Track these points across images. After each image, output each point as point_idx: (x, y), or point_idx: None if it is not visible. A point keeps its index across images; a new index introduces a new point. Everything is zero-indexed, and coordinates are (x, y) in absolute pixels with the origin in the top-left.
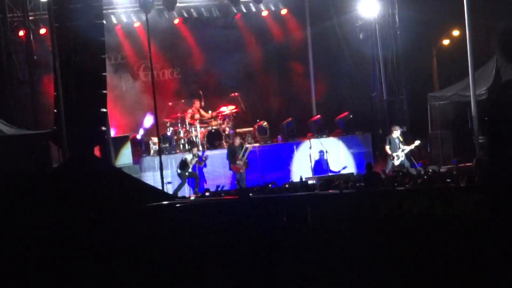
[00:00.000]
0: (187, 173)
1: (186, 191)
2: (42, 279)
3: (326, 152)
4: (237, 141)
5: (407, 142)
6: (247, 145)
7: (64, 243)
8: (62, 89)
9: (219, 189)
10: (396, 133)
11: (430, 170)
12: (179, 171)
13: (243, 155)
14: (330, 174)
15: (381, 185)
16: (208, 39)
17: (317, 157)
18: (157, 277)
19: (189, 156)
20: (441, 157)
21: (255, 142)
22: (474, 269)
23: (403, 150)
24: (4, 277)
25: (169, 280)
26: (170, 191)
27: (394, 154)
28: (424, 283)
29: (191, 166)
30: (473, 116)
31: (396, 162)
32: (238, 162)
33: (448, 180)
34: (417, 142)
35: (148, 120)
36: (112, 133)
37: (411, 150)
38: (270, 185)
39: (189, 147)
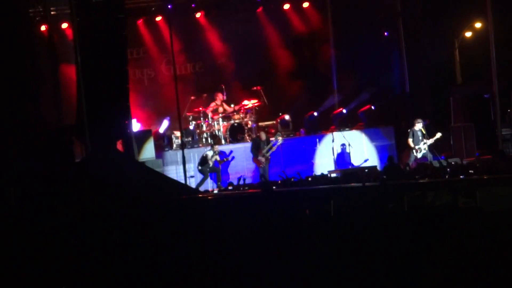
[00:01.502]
0: (208, 169)
1: (209, 185)
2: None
3: (349, 145)
4: (263, 136)
5: (429, 134)
6: (275, 141)
7: (87, 237)
8: (84, 84)
9: (241, 181)
10: (419, 126)
11: (453, 163)
12: (199, 167)
13: (267, 151)
14: (352, 167)
15: (403, 178)
16: (230, 32)
17: (339, 150)
18: (179, 269)
19: (210, 153)
20: (464, 150)
21: (282, 138)
22: (497, 261)
23: (425, 143)
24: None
25: (191, 272)
26: (193, 185)
27: (417, 147)
28: (447, 276)
29: (211, 163)
30: (496, 108)
31: (419, 155)
32: (260, 157)
33: (471, 172)
34: (438, 135)
35: (164, 125)
36: (135, 127)
37: (433, 143)
38: (292, 178)
39: (211, 141)
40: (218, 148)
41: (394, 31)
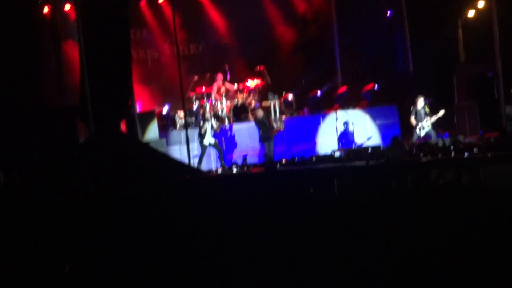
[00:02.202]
0: (208, 143)
1: (213, 164)
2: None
3: (353, 124)
4: (260, 113)
5: (433, 112)
6: (273, 100)
7: (91, 217)
8: (87, 65)
9: (245, 159)
10: (421, 104)
11: (456, 141)
12: (200, 140)
13: (275, 115)
14: (356, 145)
15: (407, 156)
16: (233, 12)
17: (343, 129)
18: (183, 249)
19: (207, 124)
20: (468, 128)
21: (276, 98)
22: (501, 239)
23: (428, 120)
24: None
25: (194, 252)
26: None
27: (420, 125)
28: (451, 253)
29: (209, 132)
30: (499, 86)
31: (422, 133)
32: (275, 124)
33: (475, 149)
34: (441, 112)
35: (165, 109)
36: (138, 108)
37: (437, 121)
38: (296, 158)
39: (209, 115)
40: (215, 121)
41: (398, 10)
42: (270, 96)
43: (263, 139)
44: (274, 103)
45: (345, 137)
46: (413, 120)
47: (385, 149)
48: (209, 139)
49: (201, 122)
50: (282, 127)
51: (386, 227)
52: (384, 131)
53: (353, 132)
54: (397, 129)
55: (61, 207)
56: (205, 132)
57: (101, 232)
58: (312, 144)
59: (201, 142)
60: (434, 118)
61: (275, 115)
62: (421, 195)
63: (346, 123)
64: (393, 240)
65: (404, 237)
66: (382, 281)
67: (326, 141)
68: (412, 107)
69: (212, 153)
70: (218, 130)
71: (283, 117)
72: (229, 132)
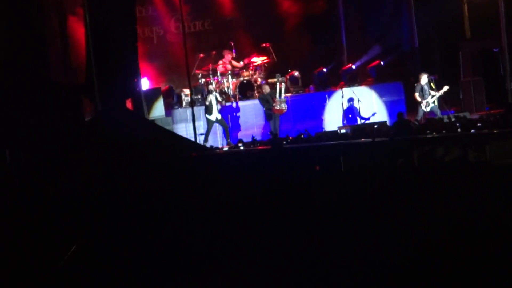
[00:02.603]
0: (215, 119)
1: (219, 142)
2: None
3: (359, 101)
4: (266, 88)
5: (438, 88)
6: (278, 82)
7: (97, 196)
8: (93, 42)
9: (254, 138)
10: (424, 80)
11: (463, 117)
12: (206, 115)
13: (280, 95)
14: (361, 121)
15: (413, 133)
16: None
17: (349, 106)
18: (190, 227)
19: (211, 96)
20: (474, 104)
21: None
22: (509, 215)
23: (433, 97)
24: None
25: (202, 230)
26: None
27: (424, 101)
28: (458, 231)
29: (214, 105)
30: (505, 62)
31: (427, 109)
32: (278, 105)
33: (481, 125)
34: (445, 88)
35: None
36: (144, 85)
37: (443, 97)
38: (302, 135)
39: (213, 88)
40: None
41: None
42: (277, 77)
43: (268, 116)
44: (280, 85)
45: (351, 114)
46: (417, 96)
47: (391, 126)
48: (215, 114)
49: (205, 95)
50: (285, 108)
51: (392, 204)
52: (390, 108)
53: (359, 109)
54: (403, 106)
55: (68, 186)
56: (210, 104)
57: (107, 211)
58: (318, 121)
59: (207, 116)
60: (438, 94)
61: (280, 97)
62: (427, 172)
63: (351, 100)
64: (400, 217)
65: (411, 214)
66: (389, 260)
67: (332, 118)
68: (416, 84)
69: (218, 131)
70: (224, 102)
71: (288, 96)
72: (235, 110)
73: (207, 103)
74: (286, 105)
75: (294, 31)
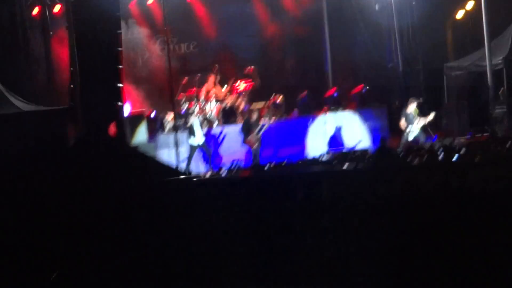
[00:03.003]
0: (197, 144)
1: (201, 168)
2: (58, 255)
3: (342, 126)
4: (254, 116)
5: (423, 114)
6: (265, 122)
7: (79, 219)
8: (77, 65)
9: (234, 165)
10: (412, 107)
11: (445, 143)
12: (189, 140)
13: (258, 132)
14: (345, 149)
15: (396, 160)
16: (223, 13)
17: (332, 132)
18: (169, 253)
19: (195, 120)
20: (457, 129)
21: (272, 117)
22: (490, 242)
23: (417, 124)
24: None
25: (181, 256)
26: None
27: (409, 128)
28: (441, 259)
29: (198, 130)
30: (489, 86)
31: (411, 136)
32: (252, 138)
33: (463, 152)
34: (431, 115)
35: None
36: (128, 109)
37: (426, 123)
38: (285, 162)
39: (197, 111)
40: (202, 116)
41: (387, 10)
42: (265, 115)
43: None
44: (266, 123)
45: (335, 140)
46: (403, 123)
47: (373, 152)
48: (198, 139)
49: (188, 119)
50: (255, 145)
51: (375, 231)
52: (373, 133)
53: (342, 135)
54: (387, 131)
55: (50, 208)
56: (193, 128)
57: (88, 233)
58: (300, 147)
59: (190, 140)
60: (424, 121)
61: (258, 133)
62: (410, 199)
63: (335, 126)
64: (382, 244)
65: (393, 241)
66: (370, 284)
67: (315, 144)
68: (402, 110)
69: (201, 156)
70: (207, 127)
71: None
72: (218, 135)
73: (188, 125)
74: (258, 143)
75: (278, 55)
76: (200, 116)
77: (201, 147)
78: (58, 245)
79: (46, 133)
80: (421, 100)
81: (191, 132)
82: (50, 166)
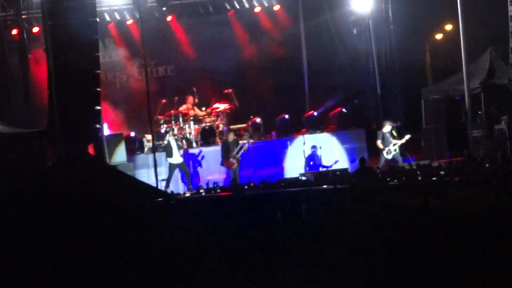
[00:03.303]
0: (176, 163)
1: (180, 188)
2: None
3: (320, 147)
4: (231, 136)
5: (400, 136)
6: (244, 142)
7: (59, 240)
8: (55, 87)
9: (213, 185)
10: (387, 128)
11: (423, 165)
12: (168, 159)
13: (237, 153)
14: (323, 169)
15: (375, 180)
16: (202, 35)
17: (311, 153)
18: (151, 272)
19: (170, 138)
20: (435, 151)
21: (251, 139)
22: (468, 261)
23: (394, 145)
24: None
25: (162, 274)
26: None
27: (386, 149)
28: (419, 277)
29: (173, 148)
30: (466, 110)
31: (388, 157)
32: (231, 159)
33: (442, 173)
34: (407, 136)
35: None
36: (106, 131)
37: (405, 145)
38: (264, 181)
39: (170, 130)
40: (176, 133)
41: (365, 33)
42: (245, 136)
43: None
44: (245, 144)
45: (313, 161)
46: (379, 144)
47: (352, 173)
48: (177, 158)
49: (167, 139)
50: (234, 166)
51: (353, 250)
52: (352, 155)
53: (320, 156)
54: (365, 153)
55: (29, 230)
56: (171, 148)
57: (68, 255)
58: (279, 168)
59: (169, 160)
60: (400, 142)
61: (237, 154)
62: (388, 219)
63: (313, 147)
64: (360, 263)
65: (372, 259)
66: None
67: (293, 165)
68: (378, 132)
69: (180, 176)
70: (185, 147)
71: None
72: (196, 156)
73: (165, 142)
74: (237, 164)
75: (257, 77)
76: (179, 137)
77: (180, 167)
78: (37, 265)
79: (25, 155)
80: (397, 122)
81: (169, 152)
82: (29, 187)
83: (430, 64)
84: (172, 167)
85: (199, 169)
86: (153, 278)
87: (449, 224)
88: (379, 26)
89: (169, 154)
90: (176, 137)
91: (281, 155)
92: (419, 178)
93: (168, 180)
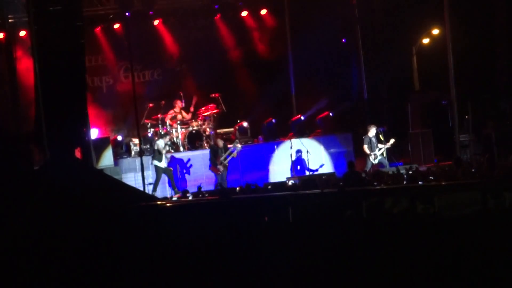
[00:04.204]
0: (164, 166)
1: (168, 192)
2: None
3: (307, 152)
4: (220, 143)
5: (386, 140)
6: (233, 148)
7: (45, 244)
8: (42, 91)
9: (200, 188)
10: (372, 132)
11: (410, 169)
12: (155, 162)
13: (225, 159)
14: (309, 173)
15: (362, 184)
16: (188, 39)
17: (297, 157)
18: (138, 275)
19: (160, 142)
20: (422, 156)
21: (239, 144)
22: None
23: (380, 149)
24: None
25: (149, 280)
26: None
27: (372, 153)
28: (406, 280)
29: (164, 152)
30: (453, 114)
31: (375, 161)
32: (218, 165)
33: (430, 178)
34: (392, 141)
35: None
36: (94, 134)
37: (391, 149)
38: (251, 186)
39: (163, 134)
40: (169, 139)
41: (352, 38)
42: (235, 143)
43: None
44: (233, 151)
45: (300, 165)
46: (366, 148)
47: (340, 177)
48: (164, 163)
49: (154, 142)
50: (221, 171)
51: (341, 255)
52: (339, 159)
53: (307, 160)
54: (352, 157)
55: (15, 235)
56: (159, 151)
57: (54, 260)
58: (266, 172)
59: (156, 163)
60: (386, 146)
61: (225, 160)
62: (375, 224)
63: (300, 151)
64: (347, 268)
65: (359, 265)
66: None
67: (280, 169)
68: (364, 136)
69: (167, 180)
70: (172, 151)
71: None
72: (183, 160)
73: (154, 149)
74: (224, 169)
75: (243, 81)
76: (166, 141)
77: (167, 171)
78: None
79: (11, 159)
80: (385, 128)
81: (156, 156)
82: (16, 191)
83: (417, 68)
84: (159, 172)
85: (186, 172)
86: (139, 282)
87: (437, 229)
88: (366, 31)
89: (157, 160)
90: (164, 141)
91: (268, 159)
92: (406, 182)
93: (155, 184)
